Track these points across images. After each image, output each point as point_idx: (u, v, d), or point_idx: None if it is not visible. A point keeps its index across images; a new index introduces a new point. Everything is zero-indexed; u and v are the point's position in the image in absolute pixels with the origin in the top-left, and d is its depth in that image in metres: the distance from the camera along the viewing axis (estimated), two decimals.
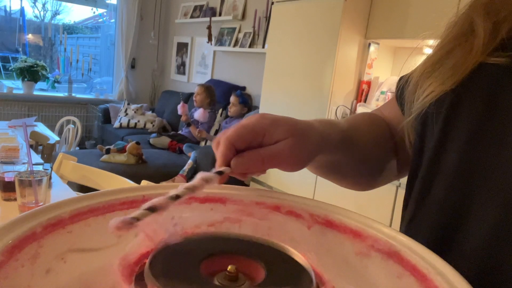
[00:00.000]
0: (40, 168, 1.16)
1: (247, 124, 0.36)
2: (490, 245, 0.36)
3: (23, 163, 1.12)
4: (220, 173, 0.34)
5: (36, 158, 1.72)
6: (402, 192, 1.95)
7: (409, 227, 0.45)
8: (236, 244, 0.30)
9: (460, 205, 0.39)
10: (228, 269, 0.26)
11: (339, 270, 0.33)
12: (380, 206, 2.06)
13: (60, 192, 1.21)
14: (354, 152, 0.48)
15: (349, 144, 0.46)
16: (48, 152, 2.08)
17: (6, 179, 1.05)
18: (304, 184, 2.50)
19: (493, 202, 0.36)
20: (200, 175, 0.32)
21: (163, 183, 2.86)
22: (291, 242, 0.35)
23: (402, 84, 0.51)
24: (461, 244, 0.38)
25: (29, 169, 1.05)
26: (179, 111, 3.48)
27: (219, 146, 0.36)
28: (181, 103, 3.48)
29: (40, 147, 2.23)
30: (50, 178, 1.23)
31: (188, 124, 3.46)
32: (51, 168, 1.28)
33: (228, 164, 0.35)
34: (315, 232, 0.37)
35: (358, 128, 0.50)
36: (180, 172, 2.96)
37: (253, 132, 0.36)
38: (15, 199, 1.04)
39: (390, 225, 2.05)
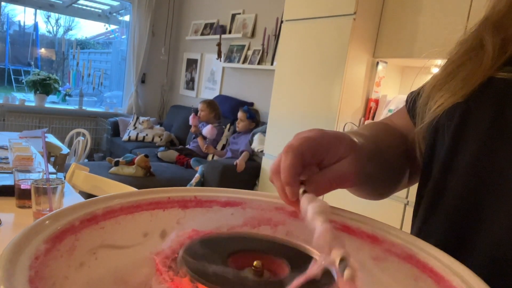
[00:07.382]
0: (53, 177, 1.18)
1: (312, 137, 0.36)
2: (500, 254, 0.37)
3: (38, 172, 1.15)
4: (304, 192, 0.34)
5: (49, 168, 1.74)
6: (410, 210, 1.94)
7: (419, 236, 0.46)
8: (261, 244, 0.32)
9: (470, 215, 0.40)
10: (254, 265, 0.28)
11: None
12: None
13: (72, 201, 1.23)
14: (380, 162, 0.48)
15: (377, 155, 0.47)
16: (60, 163, 2.11)
17: (22, 187, 1.07)
18: None
19: (504, 212, 0.37)
20: (314, 209, 0.31)
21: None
22: (308, 246, 0.36)
23: (414, 97, 0.52)
24: (470, 255, 0.39)
25: (44, 177, 1.08)
26: (190, 122, 3.59)
27: (286, 156, 0.34)
28: (192, 114, 3.57)
29: (52, 158, 2.26)
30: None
31: (197, 135, 3.53)
32: (64, 177, 1.30)
33: (295, 175, 0.34)
34: None
35: (380, 138, 0.51)
36: (187, 186, 2.97)
37: (320, 145, 0.36)
38: (29, 207, 1.06)
39: None
